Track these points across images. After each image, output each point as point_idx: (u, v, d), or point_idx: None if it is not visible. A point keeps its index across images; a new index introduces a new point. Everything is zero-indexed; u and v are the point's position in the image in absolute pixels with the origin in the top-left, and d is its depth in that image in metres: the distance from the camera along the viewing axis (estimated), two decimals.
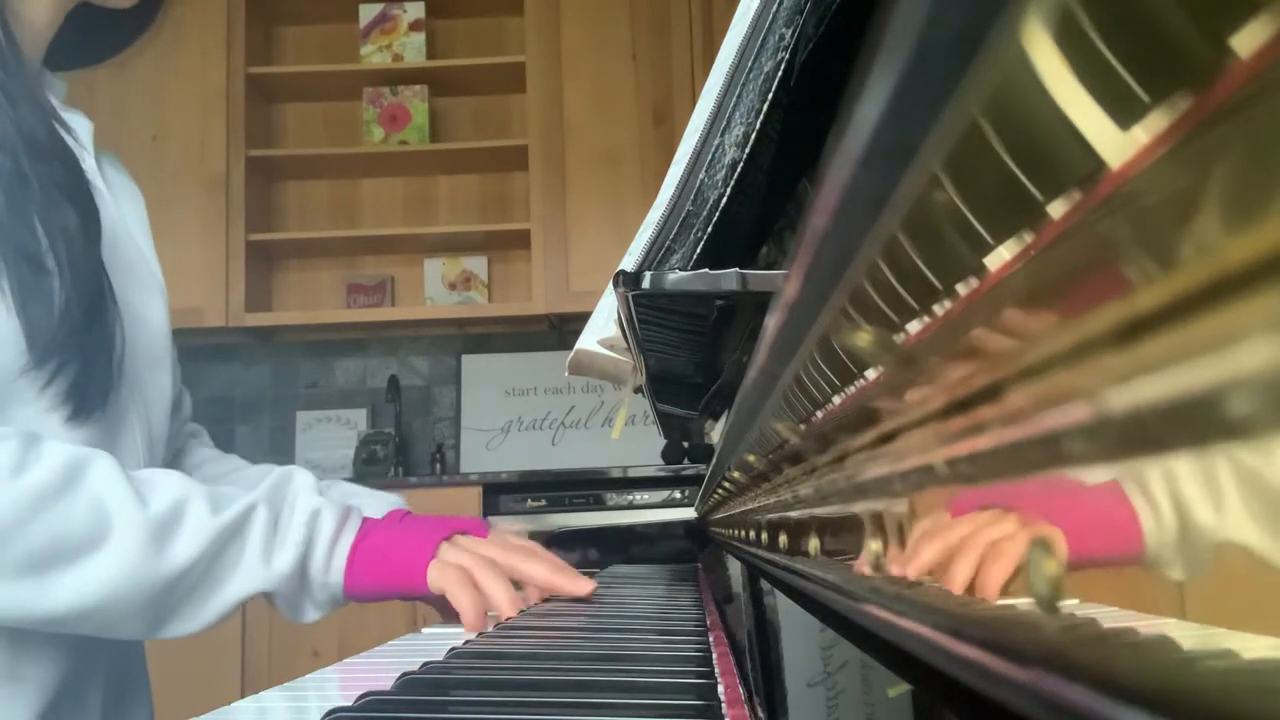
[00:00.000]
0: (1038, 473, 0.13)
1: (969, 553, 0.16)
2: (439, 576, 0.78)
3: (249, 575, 0.74)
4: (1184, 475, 0.09)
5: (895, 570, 0.21)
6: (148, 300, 0.89)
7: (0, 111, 0.74)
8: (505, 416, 3.05)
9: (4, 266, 0.71)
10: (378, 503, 0.95)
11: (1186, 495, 0.09)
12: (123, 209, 0.92)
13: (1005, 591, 0.15)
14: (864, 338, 0.19)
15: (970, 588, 0.16)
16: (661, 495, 2.63)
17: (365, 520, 0.82)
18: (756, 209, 0.57)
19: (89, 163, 0.84)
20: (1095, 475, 0.12)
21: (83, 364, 0.75)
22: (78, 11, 0.87)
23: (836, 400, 0.23)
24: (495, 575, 0.80)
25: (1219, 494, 0.09)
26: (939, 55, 0.11)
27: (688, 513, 2.42)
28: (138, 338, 0.85)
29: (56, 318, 0.72)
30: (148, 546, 0.69)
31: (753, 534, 0.54)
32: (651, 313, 0.54)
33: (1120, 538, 0.11)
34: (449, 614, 0.81)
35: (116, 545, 0.68)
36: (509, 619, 0.77)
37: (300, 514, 0.77)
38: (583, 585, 0.83)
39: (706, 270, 0.49)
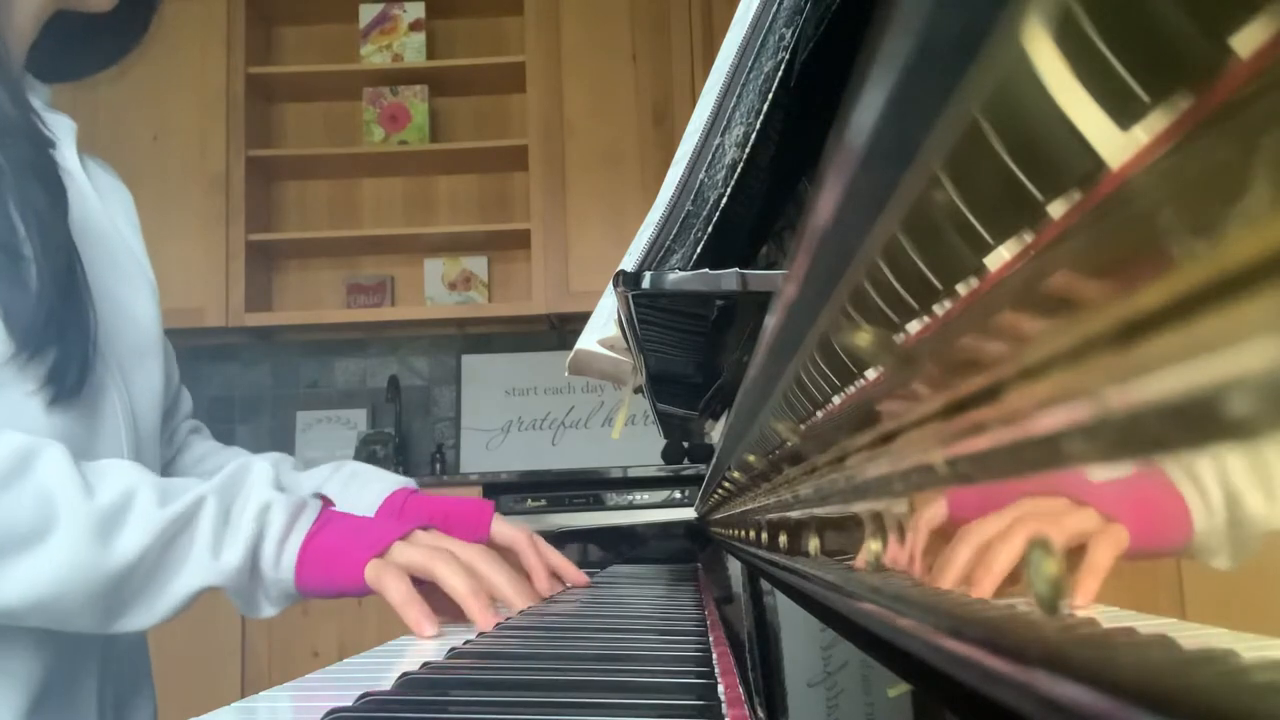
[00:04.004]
0: (1038, 472, 0.13)
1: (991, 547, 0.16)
2: (376, 575, 0.76)
3: (197, 569, 0.73)
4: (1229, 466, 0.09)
5: (907, 567, 0.21)
6: (133, 294, 0.89)
7: None
8: (505, 416, 3.05)
9: None
10: (384, 483, 0.95)
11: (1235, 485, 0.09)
12: (110, 208, 0.92)
13: (1008, 585, 0.15)
14: (864, 338, 0.19)
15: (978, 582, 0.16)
16: (661, 495, 2.63)
17: (324, 514, 0.79)
18: (756, 209, 0.57)
19: (63, 153, 0.84)
20: (1095, 475, 0.12)
21: (61, 348, 0.75)
22: (66, 22, 0.87)
23: (836, 400, 0.23)
24: (452, 569, 0.77)
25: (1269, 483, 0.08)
26: (939, 55, 0.11)
27: (688, 513, 2.42)
28: (121, 329, 0.85)
29: (34, 302, 0.72)
30: (93, 538, 0.68)
31: (753, 534, 0.54)
32: (651, 313, 0.54)
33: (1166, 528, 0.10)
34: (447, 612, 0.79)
35: (63, 537, 0.67)
36: (509, 618, 0.77)
37: (251, 507, 0.75)
38: (485, 620, 0.75)
39: (706, 270, 0.49)
